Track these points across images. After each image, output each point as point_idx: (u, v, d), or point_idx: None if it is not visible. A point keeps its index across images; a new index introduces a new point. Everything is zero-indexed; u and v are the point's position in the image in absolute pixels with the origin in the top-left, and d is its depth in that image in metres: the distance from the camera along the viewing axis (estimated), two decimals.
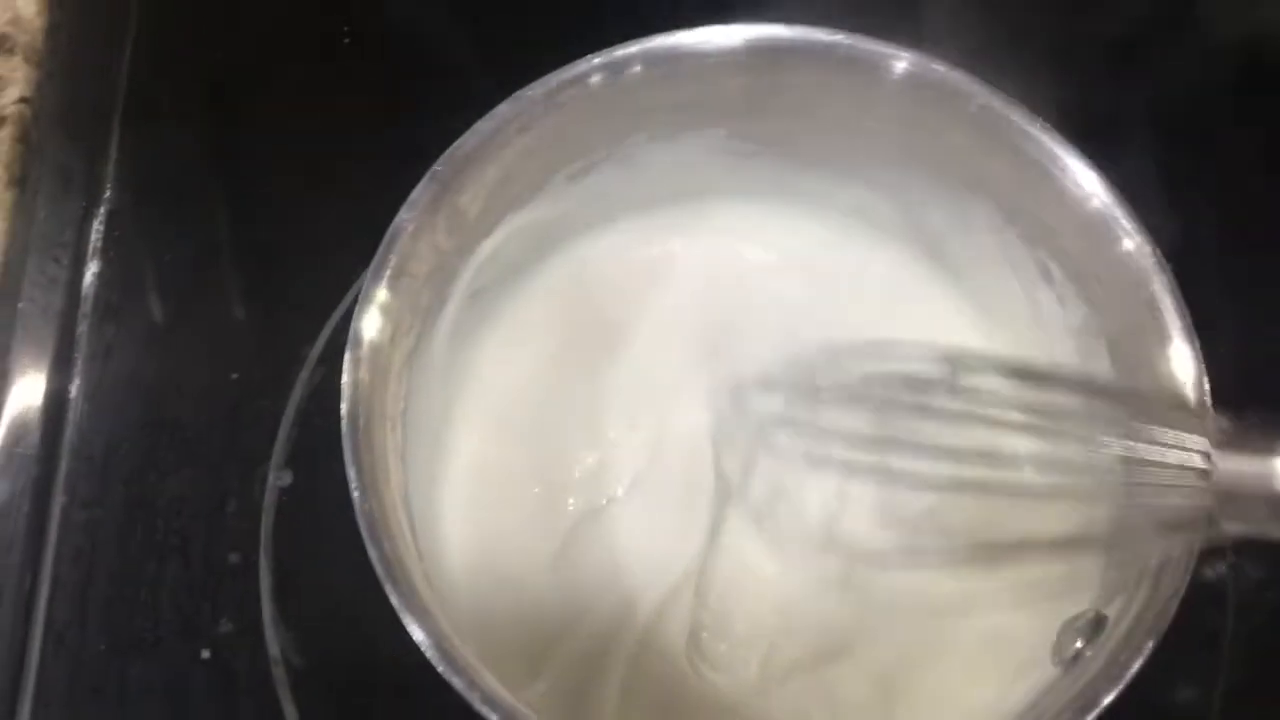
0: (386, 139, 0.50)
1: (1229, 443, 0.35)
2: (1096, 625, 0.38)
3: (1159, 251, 0.39)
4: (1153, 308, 0.39)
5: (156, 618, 0.46)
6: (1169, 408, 0.37)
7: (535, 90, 0.41)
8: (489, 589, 0.43)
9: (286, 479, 0.48)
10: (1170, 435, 0.35)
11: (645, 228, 0.49)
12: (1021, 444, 0.38)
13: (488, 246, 0.44)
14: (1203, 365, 0.38)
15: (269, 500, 0.48)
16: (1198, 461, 0.35)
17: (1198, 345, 0.38)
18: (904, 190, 0.46)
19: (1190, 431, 0.35)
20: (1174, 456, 0.35)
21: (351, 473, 0.37)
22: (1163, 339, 0.39)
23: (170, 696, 0.46)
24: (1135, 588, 0.37)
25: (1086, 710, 0.35)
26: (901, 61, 0.42)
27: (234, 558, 0.47)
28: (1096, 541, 0.40)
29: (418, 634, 0.34)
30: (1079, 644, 0.38)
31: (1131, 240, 0.40)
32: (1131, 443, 0.36)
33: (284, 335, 0.50)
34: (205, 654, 0.46)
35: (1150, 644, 0.35)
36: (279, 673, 0.45)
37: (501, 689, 0.35)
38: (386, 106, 0.55)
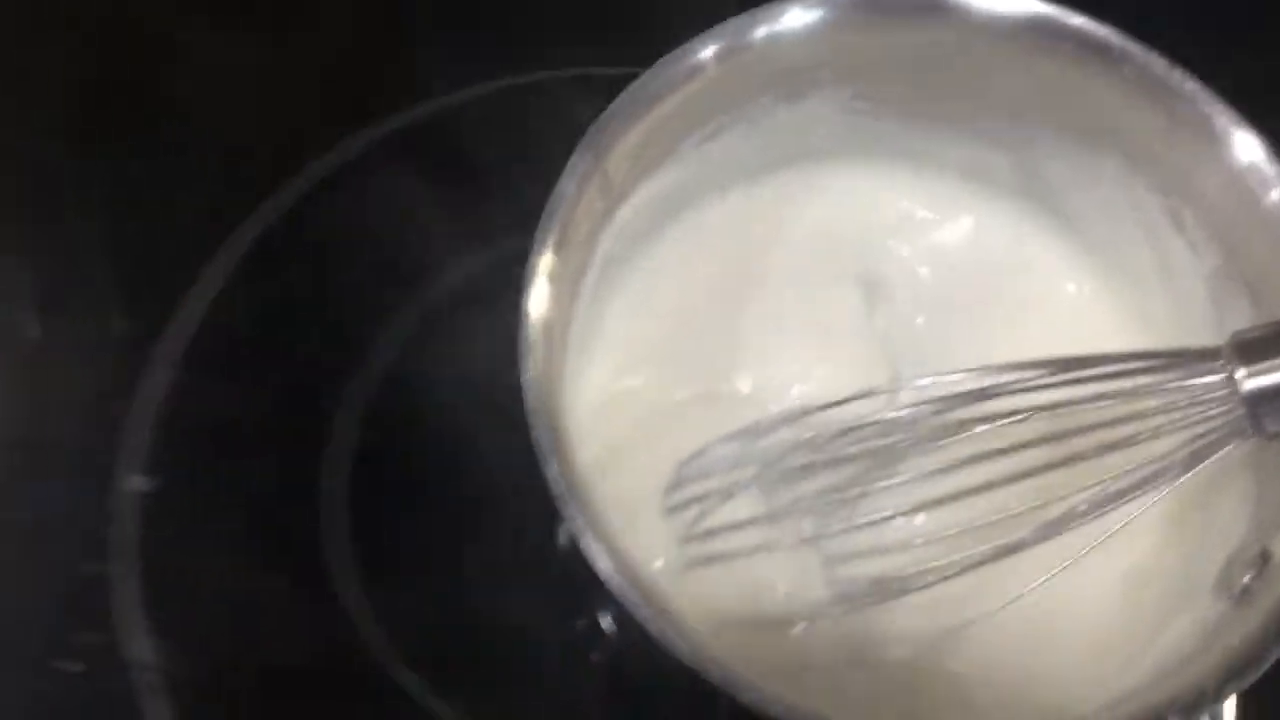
0: None
1: (1248, 354, 0.36)
2: (1263, 559, 0.39)
3: None
4: None
5: (22, 634, 0.45)
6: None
7: (675, 58, 0.42)
8: None
9: (146, 485, 0.47)
10: (1193, 372, 0.37)
11: (765, 192, 0.49)
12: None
13: (625, 213, 0.44)
14: None
15: (129, 507, 0.47)
16: (1219, 381, 0.37)
17: None
18: (1025, 147, 0.47)
19: (1213, 359, 0.37)
20: (1196, 389, 0.37)
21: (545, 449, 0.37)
22: None
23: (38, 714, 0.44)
24: None
25: (1261, 659, 0.35)
26: (1025, 13, 0.43)
27: (94, 568, 0.46)
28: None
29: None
30: (1247, 578, 0.39)
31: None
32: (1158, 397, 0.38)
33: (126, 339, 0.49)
34: (75, 668, 0.44)
35: None
36: (152, 681, 0.44)
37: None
38: None
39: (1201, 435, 0.38)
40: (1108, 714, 0.36)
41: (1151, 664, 0.39)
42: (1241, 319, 0.42)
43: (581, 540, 0.35)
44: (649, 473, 0.44)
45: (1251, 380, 0.36)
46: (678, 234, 0.48)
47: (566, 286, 0.40)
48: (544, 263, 0.39)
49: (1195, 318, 0.45)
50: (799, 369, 0.47)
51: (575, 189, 0.39)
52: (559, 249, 0.39)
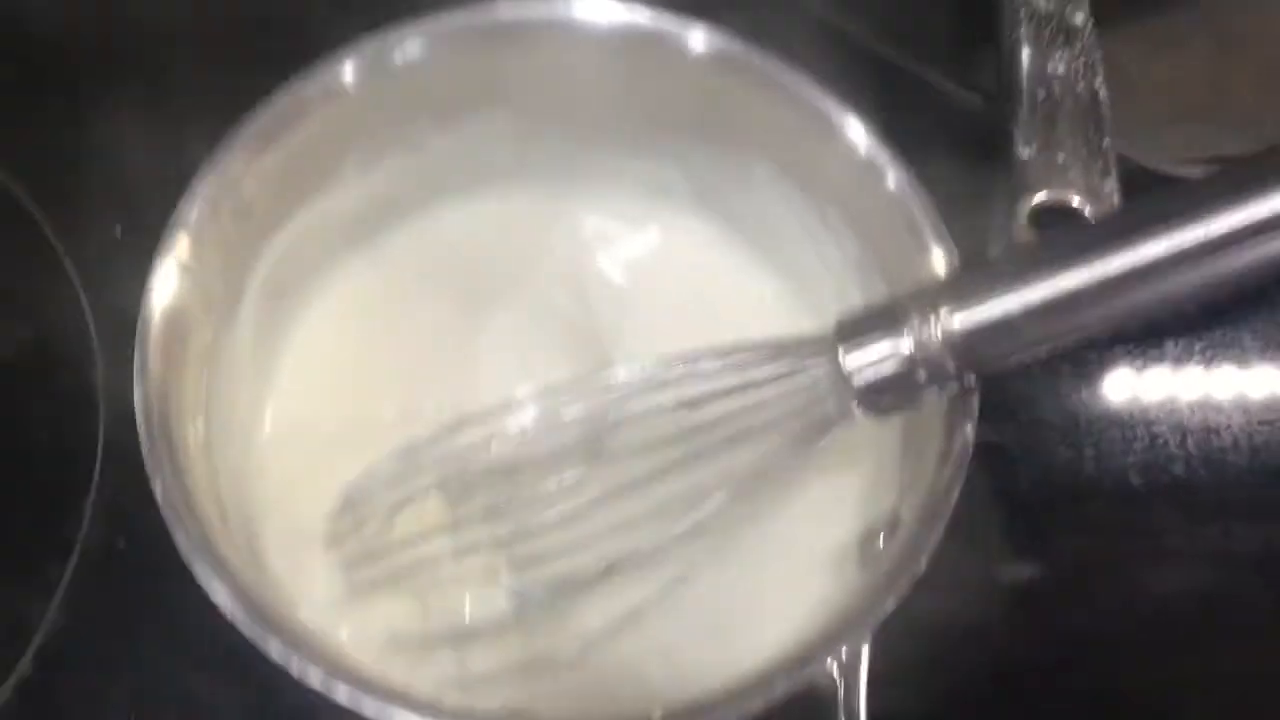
0: None
1: (850, 336, 0.39)
2: (893, 523, 0.40)
3: (915, 178, 0.42)
4: (913, 228, 0.42)
5: None
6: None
7: (308, 78, 0.42)
8: None
9: None
10: (805, 358, 0.40)
11: (447, 218, 0.49)
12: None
13: (281, 241, 0.44)
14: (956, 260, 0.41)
15: None
16: (824, 366, 0.39)
17: (952, 248, 0.41)
18: (686, 158, 0.48)
19: (820, 346, 0.40)
20: (804, 376, 0.40)
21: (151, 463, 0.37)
22: (923, 251, 0.41)
23: None
24: (924, 486, 0.39)
25: (867, 616, 0.37)
26: (640, 27, 0.44)
27: None
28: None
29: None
30: (879, 542, 0.40)
31: (893, 173, 0.43)
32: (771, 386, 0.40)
33: None
34: None
35: (932, 542, 0.37)
36: None
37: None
38: None
39: (815, 417, 0.39)
40: (736, 685, 0.36)
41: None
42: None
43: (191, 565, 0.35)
44: (321, 504, 0.44)
45: (850, 359, 0.38)
46: (359, 264, 0.49)
47: (204, 314, 0.41)
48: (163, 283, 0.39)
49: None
50: (484, 386, 0.47)
51: (198, 214, 0.40)
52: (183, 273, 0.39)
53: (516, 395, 0.44)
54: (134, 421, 0.48)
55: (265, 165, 0.42)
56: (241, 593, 0.36)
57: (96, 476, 0.48)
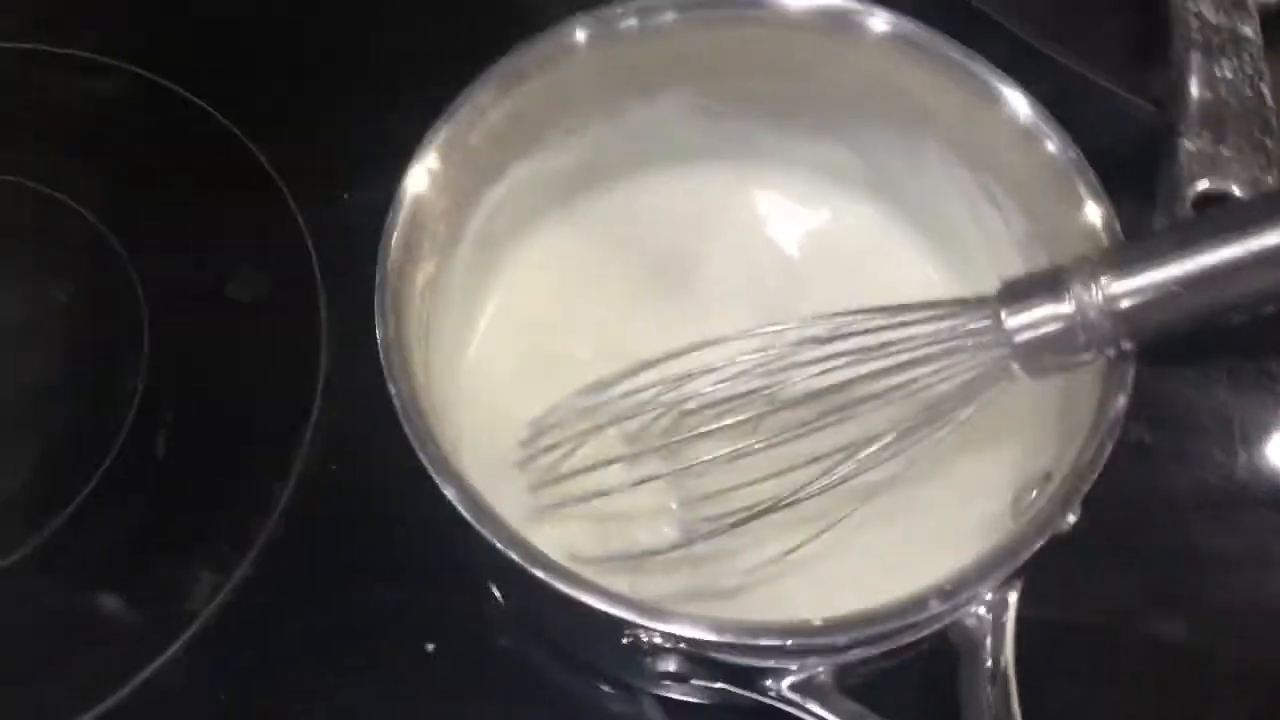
0: None
1: (1013, 299, 0.41)
2: (1046, 480, 0.42)
3: (1080, 152, 0.45)
4: (1077, 199, 0.44)
5: None
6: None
7: (531, 44, 0.47)
8: None
9: None
10: (966, 317, 0.42)
11: (638, 187, 0.54)
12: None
13: (497, 192, 0.49)
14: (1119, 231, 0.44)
15: None
16: (988, 325, 0.41)
17: (1114, 218, 0.44)
18: (861, 140, 0.52)
19: (984, 307, 0.42)
20: (967, 335, 0.42)
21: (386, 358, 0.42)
22: (1086, 223, 0.44)
23: None
24: (1080, 441, 0.41)
25: (1021, 548, 0.39)
26: (826, 7, 0.48)
27: None
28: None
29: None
30: (1032, 494, 0.43)
31: (1054, 144, 0.45)
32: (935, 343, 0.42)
33: None
34: None
35: (1085, 485, 0.40)
36: None
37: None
38: None
39: (975, 374, 0.42)
40: (891, 603, 0.39)
41: None
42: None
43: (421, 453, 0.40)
44: (513, 433, 0.48)
45: (1012, 319, 0.41)
46: (558, 223, 0.53)
47: (430, 249, 0.46)
48: (401, 224, 0.44)
49: None
50: (665, 342, 0.51)
51: (437, 159, 0.45)
52: (415, 220, 0.44)
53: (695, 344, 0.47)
54: (350, 364, 0.55)
55: (491, 119, 0.47)
56: (466, 489, 0.40)
57: (316, 408, 0.54)
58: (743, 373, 0.46)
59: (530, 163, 0.50)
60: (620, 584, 0.46)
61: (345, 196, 0.59)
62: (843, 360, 0.44)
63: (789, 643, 0.38)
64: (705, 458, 0.46)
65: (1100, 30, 0.61)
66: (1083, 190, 0.44)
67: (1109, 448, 0.40)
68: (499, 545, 0.39)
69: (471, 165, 0.47)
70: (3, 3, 0.65)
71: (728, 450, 0.45)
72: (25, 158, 0.59)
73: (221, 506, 0.52)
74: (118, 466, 0.52)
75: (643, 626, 0.38)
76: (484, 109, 0.47)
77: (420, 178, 0.45)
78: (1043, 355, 0.42)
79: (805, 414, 0.45)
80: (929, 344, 0.43)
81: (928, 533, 0.47)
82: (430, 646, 0.49)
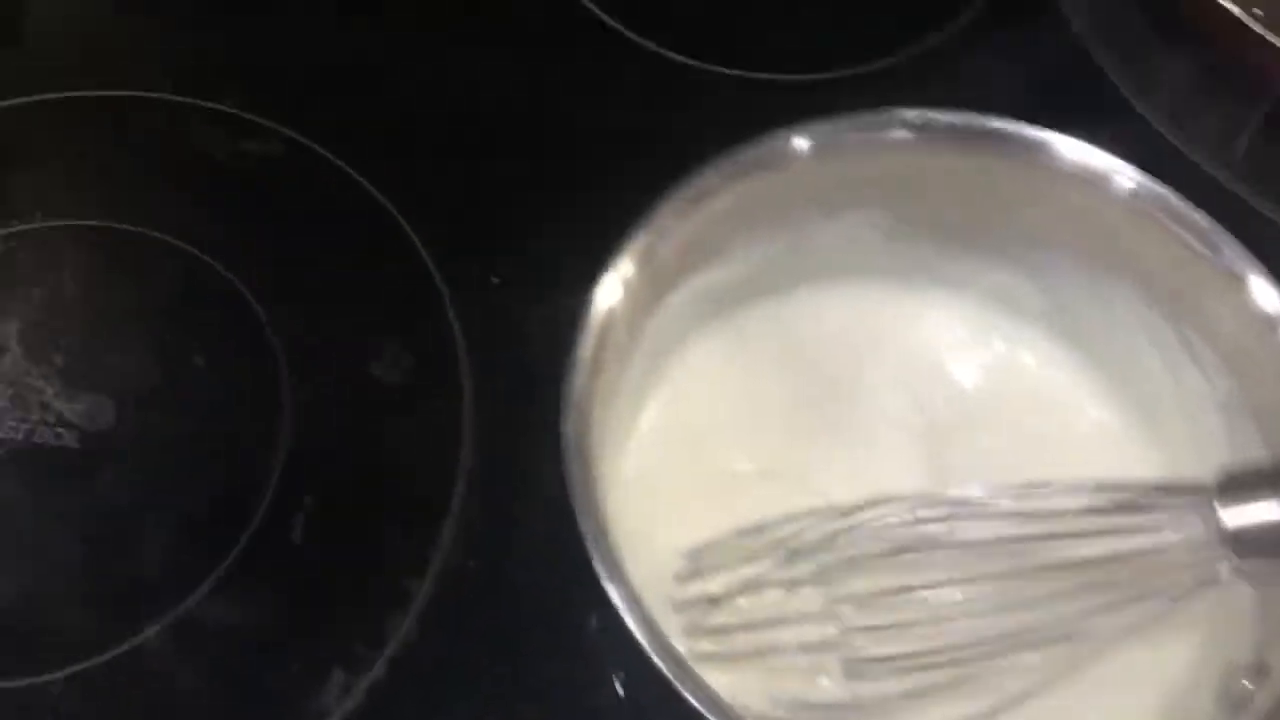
0: None
1: (1233, 491, 0.39)
2: (1260, 670, 0.40)
3: None
4: None
5: None
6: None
7: (733, 158, 0.46)
8: None
9: None
10: (1179, 509, 0.40)
11: (808, 302, 0.52)
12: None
13: (673, 301, 0.48)
14: None
15: None
16: (1199, 520, 0.39)
17: None
18: (1047, 273, 0.50)
19: (1198, 500, 0.39)
20: (1175, 529, 0.39)
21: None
22: None
23: None
24: None
25: None
26: (1059, 147, 0.47)
27: None
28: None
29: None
30: (1246, 684, 0.40)
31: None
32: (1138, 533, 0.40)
33: None
34: None
35: None
36: None
37: None
38: None
39: (1180, 575, 0.40)
40: None
41: None
42: (1252, 448, 0.45)
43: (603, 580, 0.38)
44: (669, 557, 0.46)
45: (1231, 514, 0.39)
46: (718, 334, 0.52)
47: (614, 364, 0.44)
48: (593, 330, 0.42)
49: (1210, 448, 0.47)
50: (828, 464, 0.50)
51: (632, 266, 0.44)
52: (605, 328, 0.43)
53: (869, 494, 0.45)
54: (492, 456, 0.53)
55: (683, 230, 0.45)
56: (634, 599, 0.38)
57: (456, 501, 0.52)
58: (921, 533, 0.44)
59: (708, 275, 0.49)
60: None
61: (494, 281, 0.57)
62: (1026, 539, 0.42)
63: None
64: (870, 615, 0.44)
65: None
66: None
67: None
68: (681, 690, 0.37)
69: (658, 275, 0.46)
70: (150, 56, 0.64)
71: (894, 611, 0.43)
72: (172, 215, 0.58)
73: (356, 600, 0.50)
74: (253, 549, 0.50)
75: None
76: (681, 217, 0.45)
77: (614, 286, 0.44)
78: (1264, 560, 0.39)
79: (986, 589, 0.43)
80: (1129, 535, 0.41)
81: (1109, 700, 0.44)
82: None
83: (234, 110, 0.60)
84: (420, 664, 0.48)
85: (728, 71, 0.63)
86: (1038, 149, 0.47)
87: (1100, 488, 0.42)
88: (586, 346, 0.42)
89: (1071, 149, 0.47)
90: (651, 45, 0.64)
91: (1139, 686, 0.44)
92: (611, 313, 0.43)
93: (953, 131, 0.48)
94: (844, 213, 0.50)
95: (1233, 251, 0.45)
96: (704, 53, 0.64)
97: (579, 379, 0.42)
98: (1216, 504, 0.39)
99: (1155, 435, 0.49)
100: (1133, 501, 0.41)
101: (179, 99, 0.61)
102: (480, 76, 0.64)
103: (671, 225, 0.45)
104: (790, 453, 0.50)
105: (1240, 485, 0.40)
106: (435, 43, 0.65)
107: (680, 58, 0.64)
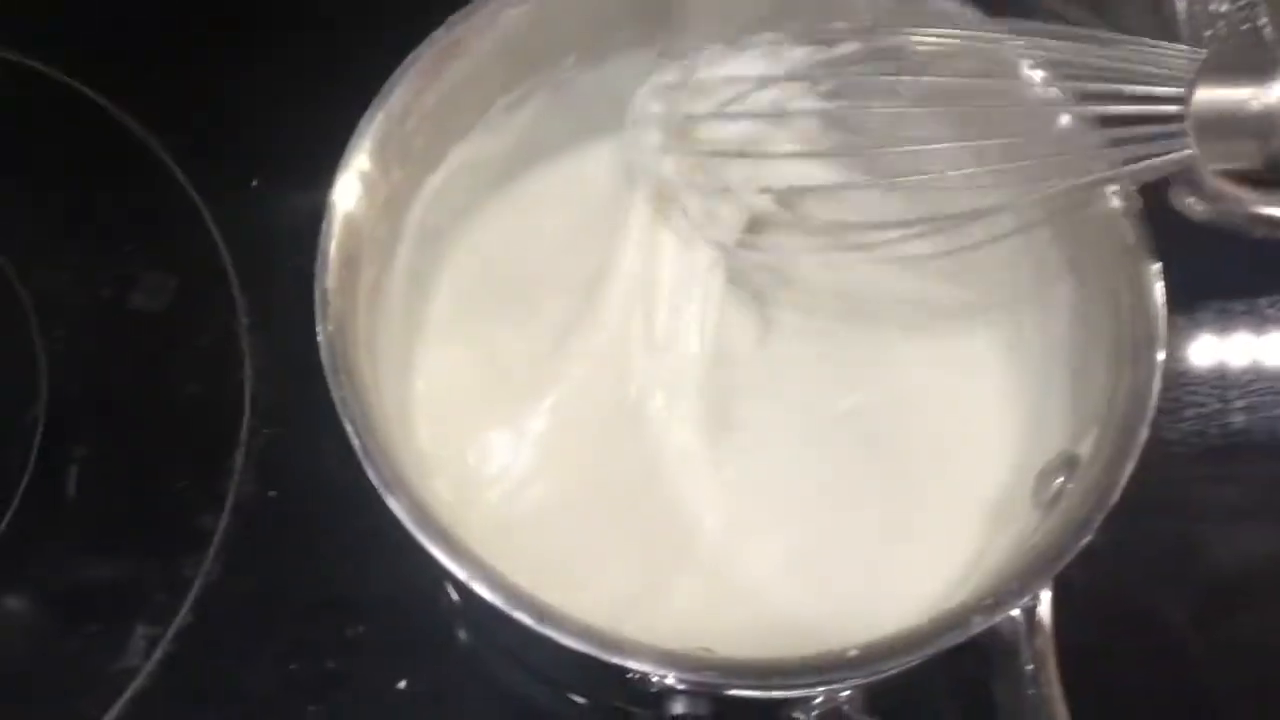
0: None
1: (1208, 71, 0.35)
2: (1070, 464, 0.39)
3: None
4: None
5: None
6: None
7: (464, 15, 0.42)
8: None
9: None
10: (1146, 67, 0.36)
11: (579, 162, 0.49)
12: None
13: (435, 180, 0.44)
14: None
15: None
16: (1170, 92, 0.35)
17: None
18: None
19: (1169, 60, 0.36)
20: (1146, 91, 0.36)
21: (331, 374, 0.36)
22: None
23: None
24: (1103, 424, 0.38)
25: (1058, 558, 0.36)
26: None
27: None
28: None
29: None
30: (1057, 483, 0.39)
31: None
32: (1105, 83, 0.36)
33: None
34: None
35: (1122, 479, 0.36)
36: None
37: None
38: None
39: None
40: (928, 625, 0.35)
41: (977, 580, 0.39)
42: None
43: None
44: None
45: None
46: (501, 204, 0.48)
47: (371, 251, 0.41)
48: (338, 221, 0.39)
49: None
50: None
51: (368, 159, 0.40)
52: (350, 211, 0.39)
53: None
54: (277, 374, 0.49)
55: (425, 103, 0.41)
56: (416, 504, 0.35)
57: (245, 428, 0.48)
58: None
59: (470, 146, 0.45)
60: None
61: (253, 184, 0.53)
62: None
63: (823, 678, 0.35)
64: None
65: None
66: None
67: (1144, 434, 0.37)
68: (457, 572, 0.34)
69: (407, 157, 0.42)
70: None
71: None
72: None
73: (149, 548, 0.46)
74: (24, 513, 0.46)
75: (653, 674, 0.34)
76: (418, 92, 0.41)
77: (351, 183, 0.40)
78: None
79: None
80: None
81: (938, 504, 0.44)
82: (402, 684, 0.45)
83: None
84: (229, 601, 0.45)
85: None
86: None
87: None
88: (331, 251, 0.38)
89: None
90: None
91: (962, 500, 0.44)
92: (352, 214, 0.39)
93: None
94: (608, 58, 0.46)
95: None
96: None
97: (330, 283, 0.38)
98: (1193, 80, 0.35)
99: None
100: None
101: None
102: None
103: (411, 99, 0.41)
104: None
105: (1219, 65, 0.35)
106: None
107: None
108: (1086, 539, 0.36)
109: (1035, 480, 0.41)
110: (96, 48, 0.55)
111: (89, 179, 0.52)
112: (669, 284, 0.45)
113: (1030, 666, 0.37)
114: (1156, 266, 0.39)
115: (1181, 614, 0.48)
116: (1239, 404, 0.51)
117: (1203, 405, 0.51)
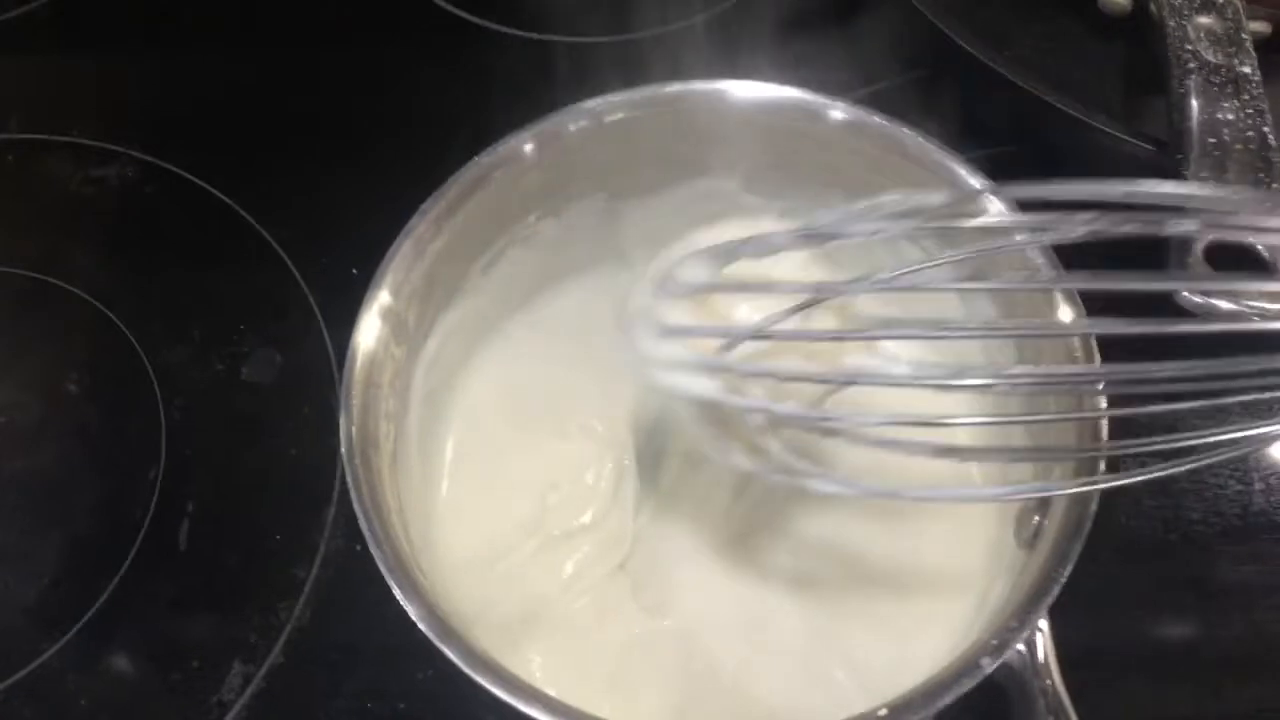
0: None
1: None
2: (1044, 502, 0.43)
3: None
4: None
5: None
6: None
7: (437, 200, 0.47)
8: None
9: None
10: None
11: (554, 306, 0.54)
12: None
13: (431, 348, 0.49)
14: None
15: None
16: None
17: None
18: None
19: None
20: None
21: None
22: None
23: None
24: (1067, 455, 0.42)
25: (1046, 591, 0.39)
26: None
27: None
28: None
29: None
30: (1034, 521, 0.43)
31: None
32: None
33: None
34: None
35: (1091, 509, 0.40)
36: None
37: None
38: None
39: None
40: (945, 673, 0.39)
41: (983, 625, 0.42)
42: None
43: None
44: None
45: None
46: (489, 358, 0.53)
47: (386, 425, 0.46)
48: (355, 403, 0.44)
49: None
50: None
51: (375, 341, 0.45)
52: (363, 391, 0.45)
53: None
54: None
55: (414, 281, 0.47)
56: (430, 608, 0.40)
57: (336, 490, 0.53)
58: None
59: (456, 309, 0.50)
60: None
61: (353, 272, 0.59)
62: None
63: None
64: None
65: (1098, 75, 0.61)
66: None
67: (1101, 465, 0.41)
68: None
69: (417, 322, 0.47)
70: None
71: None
72: (28, 248, 0.59)
73: (248, 594, 0.52)
74: (141, 559, 0.52)
75: None
76: (409, 270, 0.47)
77: (364, 363, 0.45)
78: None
79: None
80: None
81: (933, 561, 0.47)
82: None
83: (80, 140, 0.62)
84: (315, 644, 0.51)
85: None
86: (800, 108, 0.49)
87: None
88: (353, 434, 0.44)
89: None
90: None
91: (964, 541, 0.47)
92: (368, 366, 0.45)
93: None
94: (564, 209, 0.51)
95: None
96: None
97: (358, 460, 0.43)
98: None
99: None
100: None
101: (26, 136, 0.62)
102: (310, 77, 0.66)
103: (403, 279, 0.46)
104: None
105: None
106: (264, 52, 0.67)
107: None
108: (1068, 569, 0.40)
109: (1015, 522, 0.45)
110: (220, 153, 0.63)
111: (209, 266, 0.59)
112: None
113: (1042, 698, 0.41)
114: None
115: (1199, 689, 0.50)
116: (1259, 486, 0.54)
117: (1223, 487, 0.54)
